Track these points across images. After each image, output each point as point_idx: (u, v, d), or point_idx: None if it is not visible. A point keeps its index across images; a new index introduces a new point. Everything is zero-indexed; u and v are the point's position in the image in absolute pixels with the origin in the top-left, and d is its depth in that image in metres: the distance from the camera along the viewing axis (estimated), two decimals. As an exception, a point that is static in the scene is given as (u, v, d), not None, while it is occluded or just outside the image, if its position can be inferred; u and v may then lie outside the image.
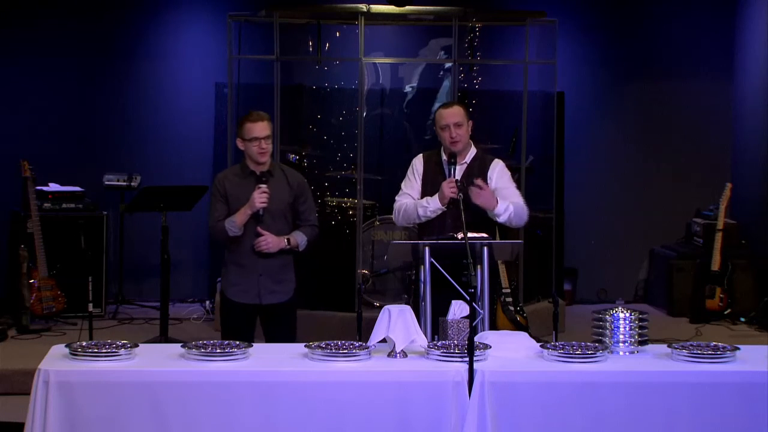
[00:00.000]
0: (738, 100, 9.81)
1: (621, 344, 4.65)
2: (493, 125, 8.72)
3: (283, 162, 8.24)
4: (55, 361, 4.37)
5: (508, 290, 7.67)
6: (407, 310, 4.56)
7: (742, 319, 8.71)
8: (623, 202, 9.87)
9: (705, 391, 4.36)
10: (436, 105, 8.66)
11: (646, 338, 4.70)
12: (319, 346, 4.55)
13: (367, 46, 8.29)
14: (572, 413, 4.33)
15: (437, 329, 4.98)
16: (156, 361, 4.44)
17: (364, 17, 8.13)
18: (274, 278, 5.80)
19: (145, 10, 9.46)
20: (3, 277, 8.80)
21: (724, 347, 4.61)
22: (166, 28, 9.52)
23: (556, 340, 4.96)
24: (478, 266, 5.41)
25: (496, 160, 5.92)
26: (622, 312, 4.68)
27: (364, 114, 8.28)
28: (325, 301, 8.22)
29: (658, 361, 4.54)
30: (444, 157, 5.84)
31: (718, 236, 8.75)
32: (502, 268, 7.65)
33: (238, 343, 4.57)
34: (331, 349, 4.52)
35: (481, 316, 5.17)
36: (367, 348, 4.53)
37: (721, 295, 8.74)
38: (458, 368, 4.34)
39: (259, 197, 5.65)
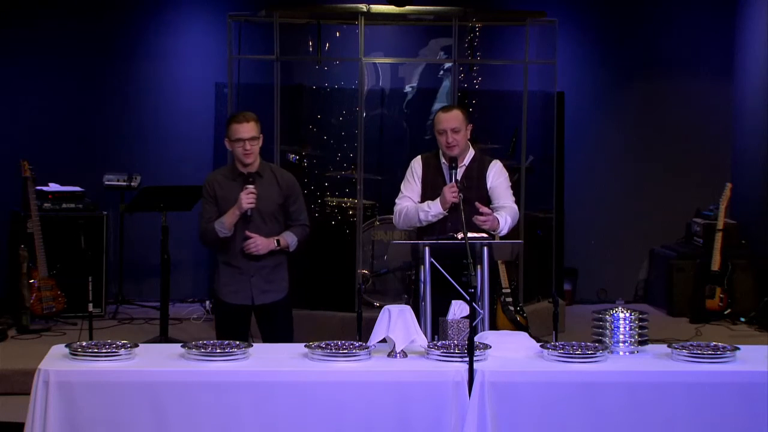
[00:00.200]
0: (738, 100, 9.81)
1: (621, 344, 4.65)
2: (493, 125, 8.72)
3: (283, 162, 8.26)
4: (55, 361, 4.37)
5: (508, 290, 7.68)
6: (407, 310, 4.56)
7: (742, 319, 8.71)
8: (623, 202, 9.87)
9: (705, 391, 4.36)
10: (437, 105, 8.68)
11: (646, 338, 4.70)
12: (319, 346, 4.55)
13: (367, 46, 8.29)
14: (572, 413, 4.33)
15: (437, 329, 4.98)
16: (156, 361, 4.44)
17: (364, 17, 8.13)
18: (266, 278, 5.79)
19: (145, 10, 9.46)
20: (3, 277, 8.80)
21: (724, 347, 4.61)
22: (166, 28, 9.52)
23: (556, 340, 4.96)
24: (478, 266, 5.41)
25: (495, 160, 5.92)
26: (622, 312, 4.68)
27: (364, 114, 8.28)
28: (325, 301, 8.22)
29: (658, 361, 4.55)
30: (443, 160, 5.84)
31: (718, 236, 8.75)
32: (502, 268, 7.65)
33: (238, 343, 4.57)
34: (331, 349, 4.52)
35: (481, 316, 5.17)
36: (367, 348, 4.53)
37: (721, 295, 8.74)
38: (458, 368, 4.34)
39: (247, 198, 5.64)
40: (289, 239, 5.79)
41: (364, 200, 8.23)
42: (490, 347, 4.56)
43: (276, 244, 5.74)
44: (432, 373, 4.36)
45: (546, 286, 8.63)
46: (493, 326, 6.37)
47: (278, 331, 5.80)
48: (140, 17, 9.46)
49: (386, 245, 8.09)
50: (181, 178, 8.94)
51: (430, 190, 5.81)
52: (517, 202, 5.91)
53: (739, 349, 4.62)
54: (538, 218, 8.76)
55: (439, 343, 4.61)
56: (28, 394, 4.30)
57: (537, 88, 8.71)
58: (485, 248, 5.43)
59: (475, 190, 5.76)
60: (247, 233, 5.69)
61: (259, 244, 5.70)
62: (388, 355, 4.53)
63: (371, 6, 8.21)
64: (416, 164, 5.95)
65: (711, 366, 4.46)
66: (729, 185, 8.84)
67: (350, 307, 7.96)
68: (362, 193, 8.17)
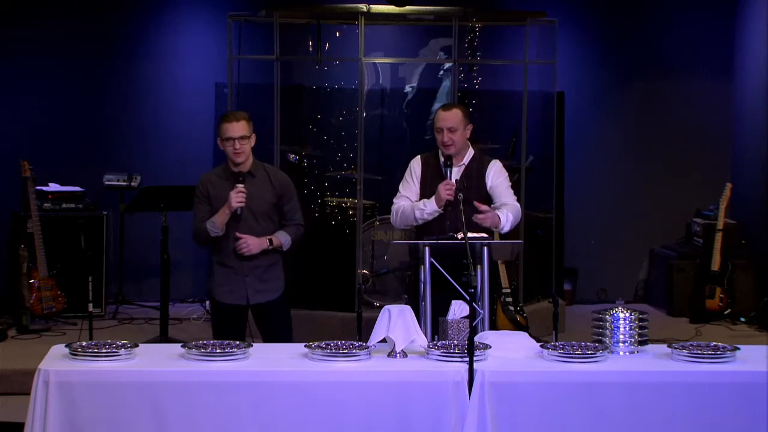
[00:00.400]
0: (738, 100, 9.81)
1: (621, 344, 4.65)
2: (493, 125, 8.73)
3: (283, 162, 8.26)
4: (55, 361, 4.37)
5: (508, 290, 7.68)
6: (407, 310, 4.56)
7: (742, 319, 8.71)
8: (623, 202, 9.87)
9: (705, 391, 4.36)
10: (436, 105, 8.67)
11: (646, 338, 4.70)
12: (319, 346, 4.55)
13: (367, 46, 8.29)
14: (572, 413, 4.33)
15: (437, 329, 4.98)
16: (156, 361, 4.44)
17: (364, 17, 8.13)
18: (260, 278, 5.79)
19: (145, 10, 9.46)
20: (3, 277, 8.80)
21: (724, 347, 4.61)
22: (166, 28, 9.52)
23: (556, 340, 4.96)
24: (478, 266, 5.41)
25: (494, 160, 5.93)
26: (622, 312, 4.68)
27: (364, 114, 8.28)
28: (325, 301, 8.22)
29: (658, 361, 4.55)
30: (442, 159, 5.85)
31: (718, 236, 8.75)
32: (502, 268, 7.65)
33: (238, 343, 4.58)
34: (331, 349, 4.52)
35: (481, 316, 5.17)
36: (367, 348, 4.53)
37: (721, 295, 8.74)
38: (458, 368, 4.34)
39: (236, 197, 5.64)
40: (283, 239, 5.79)
41: (364, 200, 8.23)
42: (490, 347, 4.56)
43: (268, 244, 5.74)
44: (432, 373, 4.35)
45: (546, 286, 8.63)
46: (493, 326, 6.36)
47: (276, 331, 5.80)
48: (140, 17, 9.46)
49: (386, 245, 8.09)
50: (181, 178, 8.92)
51: (429, 189, 5.81)
52: (517, 201, 5.92)
53: (739, 349, 4.62)
54: (538, 218, 8.76)
55: (439, 343, 4.61)
56: (28, 394, 4.30)
57: (537, 88, 8.71)
58: (485, 248, 5.43)
59: (475, 189, 5.76)
60: (238, 234, 5.69)
61: (251, 244, 5.70)
62: (388, 355, 4.53)
63: (371, 6, 8.21)
64: (415, 164, 5.96)
65: (711, 366, 4.46)
66: (729, 185, 8.84)
67: (350, 307, 7.96)
68: (362, 193, 8.17)
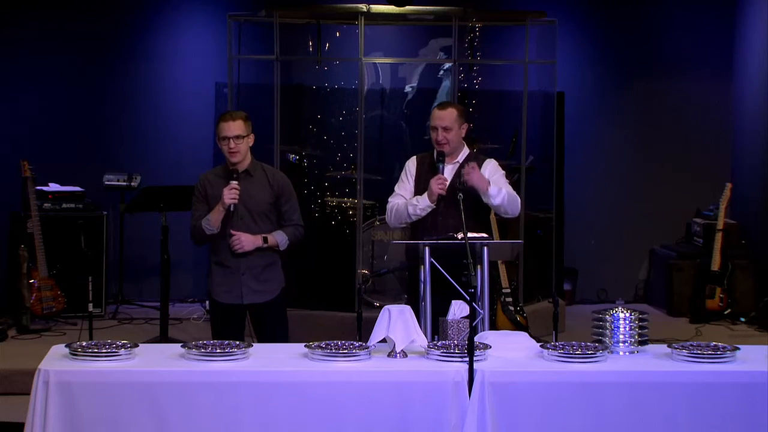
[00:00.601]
0: (738, 100, 9.80)
1: (621, 344, 4.65)
2: (493, 125, 8.73)
3: (283, 162, 8.26)
4: (55, 361, 4.38)
5: (508, 290, 7.68)
6: (407, 310, 4.56)
7: (742, 319, 8.71)
8: (623, 202, 9.87)
9: (705, 391, 4.36)
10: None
11: (646, 338, 4.70)
12: (319, 346, 4.55)
13: (367, 46, 8.29)
14: (572, 413, 4.33)
15: (437, 329, 4.98)
16: (156, 361, 4.44)
17: (364, 17, 8.13)
18: (257, 278, 5.78)
19: (145, 11, 9.46)
20: (3, 277, 8.80)
21: (724, 347, 4.61)
22: (166, 28, 9.52)
23: (556, 340, 4.96)
24: (478, 266, 5.41)
25: (489, 159, 5.94)
26: (622, 312, 4.68)
27: (364, 114, 8.28)
28: (325, 301, 8.22)
29: (658, 361, 4.55)
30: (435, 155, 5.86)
31: (718, 236, 8.75)
32: (502, 268, 7.65)
33: (238, 343, 4.58)
34: (331, 349, 4.52)
35: (481, 316, 5.17)
36: (367, 348, 4.53)
37: (721, 295, 8.74)
38: (458, 368, 4.34)
39: (229, 193, 5.64)
40: (279, 238, 5.78)
41: (364, 200, 8.23)
42: (490, 347, 4.56)
43: (262, 242, 5.73)
44: (432, 373, 4.36)
45: (546, 286, 8.63)
46: (493, 326, 6.36)
47: (270, 331, 5.79)
48: (140, 17, 9.45)
49: (386, 245, 8.09)
50: (181, 178, 8.92)
51: (423, 188, 5.83)
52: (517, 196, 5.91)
53: (739, 349, 4.62)
54: (538, 218, 8.76)
55: (439, 343, 4.61)
56: (28, 394, 4.30)
57: (537, 88, 8.71)
58: (485, 248, 5.43)
59: (470, 188, 5.76)
60: (231, 231, 5.69)
61: (243, 240, 5.69)
62: (388, 355, 4.53)
63: (371, 6, 8.20)
64: (411, 164, 5.98)
65: (711, 366, 4.46)
66: (729, 185, 8.84)
67: (350, 307, 7.96)
68: (362, 193, 8.17)
